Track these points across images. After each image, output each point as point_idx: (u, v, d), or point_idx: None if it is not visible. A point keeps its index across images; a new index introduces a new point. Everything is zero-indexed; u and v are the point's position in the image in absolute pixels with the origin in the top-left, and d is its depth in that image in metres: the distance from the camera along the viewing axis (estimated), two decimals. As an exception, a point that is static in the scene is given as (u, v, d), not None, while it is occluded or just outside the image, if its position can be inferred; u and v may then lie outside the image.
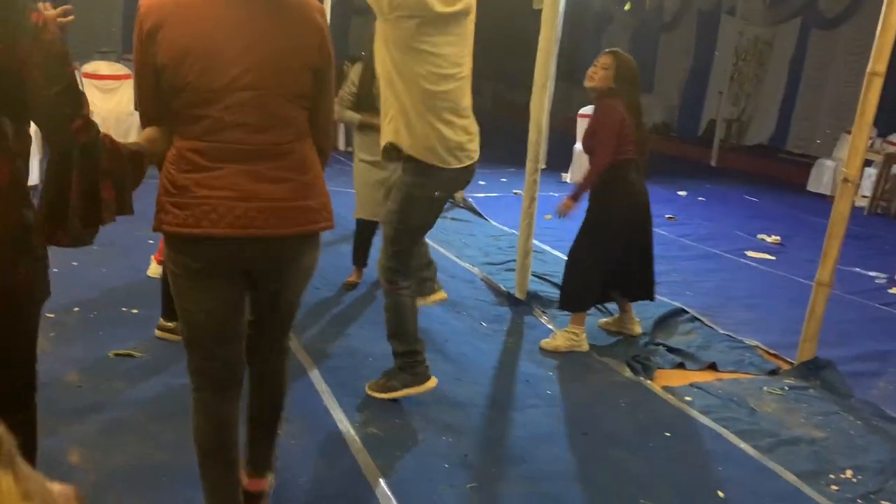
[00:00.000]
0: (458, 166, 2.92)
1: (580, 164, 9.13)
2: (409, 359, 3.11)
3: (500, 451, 2.88)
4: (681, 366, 3.85)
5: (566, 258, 4.01)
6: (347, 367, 3.42)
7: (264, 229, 1.84)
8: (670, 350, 4.00)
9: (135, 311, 3.87)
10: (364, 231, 4.59)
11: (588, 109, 9.29)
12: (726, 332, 4.32)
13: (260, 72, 1.79)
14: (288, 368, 2.26)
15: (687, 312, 4.60)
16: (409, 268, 3.11)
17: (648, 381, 3.60)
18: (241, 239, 1.84)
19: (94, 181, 1.64)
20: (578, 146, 9.12)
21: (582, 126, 9.27)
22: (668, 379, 3.68)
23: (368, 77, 4.19)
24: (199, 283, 1.90)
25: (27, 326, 1.74)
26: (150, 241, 4.85)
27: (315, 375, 3.32)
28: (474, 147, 2.98)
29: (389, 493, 2.51)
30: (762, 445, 3.06)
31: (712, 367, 3.84)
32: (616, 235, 3.83)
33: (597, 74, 3.73)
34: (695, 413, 3.30)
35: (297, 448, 2.74)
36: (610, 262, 3.84)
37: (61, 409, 2.84)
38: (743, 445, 3.05)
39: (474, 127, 2.99)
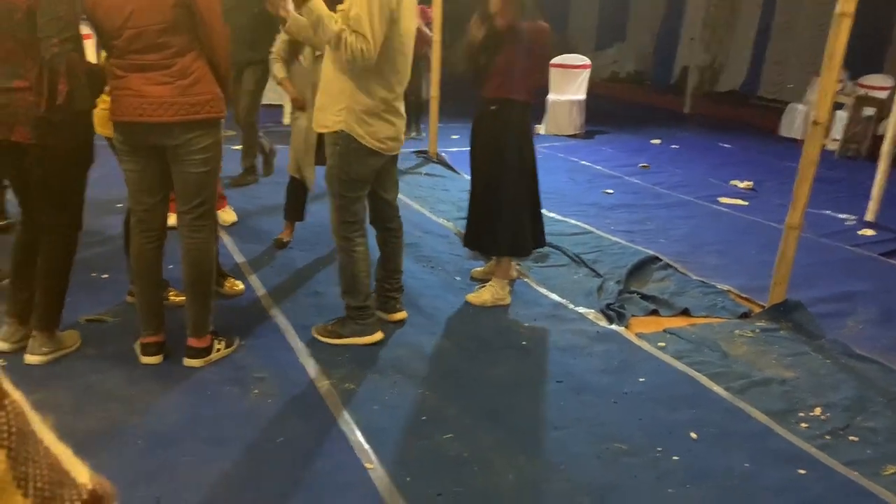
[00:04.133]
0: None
1: (555, 116, 9.08)
2: (361, 313, 3.23)
3: (475, 402, 2.89)
4: (654, 312, 3.88)
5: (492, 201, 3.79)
6: (322, 325, 3.41)
7: (152, 117, 2.69)
8: (644, 297, 4.04)
9: (105, 276, 3.83)
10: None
11: (561, 59, 9.24)
12: (699, 278, 4.36)
13: (138, 15, 2.61)
14: (205, 246, 2.94)
15: (660, 260, 4.63)
16: (360, 222, 3.20)
17: (622, 329, 3.63)
18: (138, 123, 2.71)
19: (55, 77, 2.61)
20: (552, 97, 9.05)
21: (557, 77, 9.20)
22: (642, 326, 3.71)
23: None
24: (124, 153, 2.84)
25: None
26: (119, 205, 4.77)
27: (290, 333, 3.31)
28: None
29: (368, 448, 2.52)
30: (734, 387, 3.11)
31: (685, 312, 3.88)
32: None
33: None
34: (668, 358, 3.35)
35: (274, 406, 2.74)
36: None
37: (33, 376, 2.81)
38: (715, 388, 3.10)
39: None
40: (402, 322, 3.48)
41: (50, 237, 2.85)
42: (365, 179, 3.14)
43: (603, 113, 10.09)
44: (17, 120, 2.64)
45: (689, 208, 6.09)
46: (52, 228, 2.85)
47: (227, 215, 4.79)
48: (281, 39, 4.24)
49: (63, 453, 0.42)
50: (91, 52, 2.92)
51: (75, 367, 2.92)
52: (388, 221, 3.41)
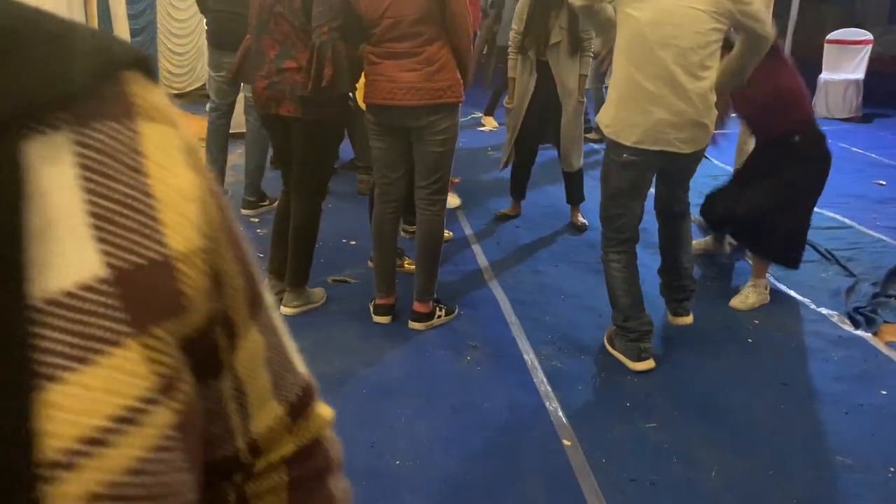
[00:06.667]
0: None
1: (827, 97, 8.24)
2: (623, 331, 2.98)
3: (686, 395, 2.81)
4: (914, 321, 3.44)
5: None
6: (539, 303, 3.50)
7: (403, 100, 2.91)
8: (904, 303, 3.59)
9: (353, 242, 4.25)
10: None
11: (839, 34, 8.34)
12: (981, 287, 3.76)
13: (396, 6, 2.83)
14: (437, 218, 3.14)
15: (933, 263, 4.06)
16: (621, 237, 2.96)
17: (869, 335, 3.27)
18: (390, 106, 2.95)
19: (322, 62, 2.89)
20: (825, 76, 8.22)
21: (832, 54, 8.33)
22: (895, 334, 3.32)
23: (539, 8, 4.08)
24: (374, 132, 3.10)
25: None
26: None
27: (506, 307, 3.44)
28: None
29: (567, 423, 2.57)
30: None
31: (954, 324, 3.39)
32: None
33: None
34: (922, 373, 2.97)
35: (483, 374, 2.89)
36: None
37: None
38: (977, 413, 2.70)
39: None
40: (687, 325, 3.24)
41: (298, 203, 3.22)
42: (625, 193, 2.90)
43: (887, 94, 8.94)
44: (284, 96, 3.03)
45: (984, 205, 5.23)
46: (300, 195, 3.22)
47: (452, 199, 5.03)
48: (514, 32, 4.21)
49: (291, 346, 0.52)
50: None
51: (319, 320, 3.30)
52: (672, 223, 3.21)
